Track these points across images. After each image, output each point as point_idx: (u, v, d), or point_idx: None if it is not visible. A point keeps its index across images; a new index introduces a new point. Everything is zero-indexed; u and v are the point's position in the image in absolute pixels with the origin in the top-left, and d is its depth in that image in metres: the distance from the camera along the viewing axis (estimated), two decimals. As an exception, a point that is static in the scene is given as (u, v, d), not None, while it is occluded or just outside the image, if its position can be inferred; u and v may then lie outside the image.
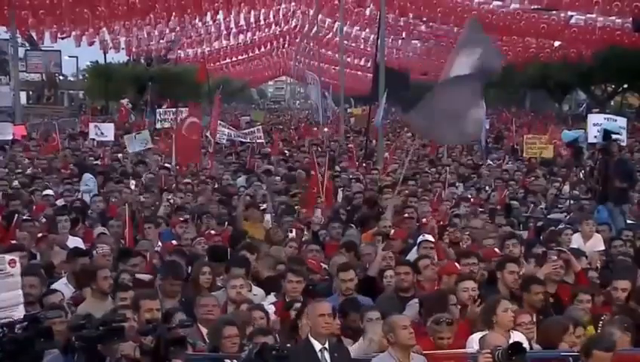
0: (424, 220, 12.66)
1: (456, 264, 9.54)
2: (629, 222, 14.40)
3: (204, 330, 7.63)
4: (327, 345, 6.91)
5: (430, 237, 10.77)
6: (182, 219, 12.69)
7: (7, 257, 6.57)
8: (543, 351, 7.53)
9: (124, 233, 11.57)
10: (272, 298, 8.89)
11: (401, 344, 6.73)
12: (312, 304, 7.28)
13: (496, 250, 10.74)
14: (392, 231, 11.50)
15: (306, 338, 7.07)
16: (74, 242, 11.05)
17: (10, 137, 26.51)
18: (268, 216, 13.07)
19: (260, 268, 9.76)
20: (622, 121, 19.06)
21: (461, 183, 18.76)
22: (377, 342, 7.16)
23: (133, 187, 16.34)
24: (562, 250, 9.99)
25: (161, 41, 54.61)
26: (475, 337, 7.35)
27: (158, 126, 30.80)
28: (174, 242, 11.47)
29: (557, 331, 7.56)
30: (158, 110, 32.69)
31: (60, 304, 7.67)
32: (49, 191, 15.50)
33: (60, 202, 14.94)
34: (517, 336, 7.29)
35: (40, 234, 10.87)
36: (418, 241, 10.59)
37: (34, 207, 14.04)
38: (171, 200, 14.08)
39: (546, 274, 9.13)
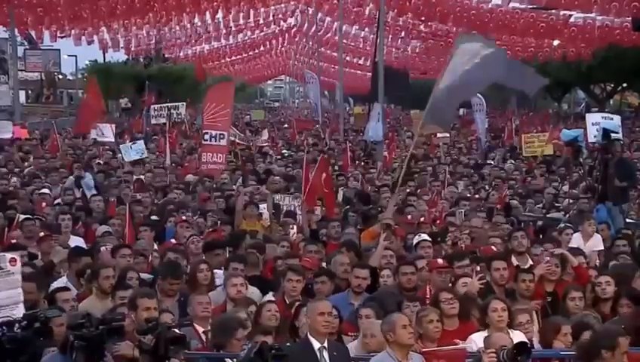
0: (422, 219, 12.68)
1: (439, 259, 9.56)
2: (628, 221, 14.41)
3: (200, 329, 7.64)
4: (326, 344, 6.91)
5: (427, 237, 10.77)
6: (183, 218, 12.71)
7: (8, 256, 6.59)
8: (542, 351, 7.54)
9: (125, 232, 11.57)
10: (269, 297, 8.88)
11: (401, 343, 6.73)
12: (311, 302, 7.28)
13: (493, 248, 10.76)
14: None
15: (305, 337, 7.07)
16: (75, 241, 11.07)
17: (10, 135, 26.52)
18: (266, 215, 13.05)
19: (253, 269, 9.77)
20: (617, 119, 19.05)
21: (461, 182, 18.74)
22: (374, 340, 7.18)
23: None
24: (555, 250, 9.98)
25: (162, 42, 54.65)
26: (475, 337, 7.37)
27: (153, 121, 30.74)
28: (173, 241, 11.47)
29: (549, 331, 7.58)
30: (152, 106, 32.57)
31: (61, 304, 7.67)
32: (45, 190, 15.47)
33: (59, 201, 14.95)
34: (516, 336, 7.32)
35: (42, 234, 10.84)
36: (415, 241, 10.58)
37: (43, 205, 14.00)
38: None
39: (541, 275, 9.16)
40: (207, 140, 17.97)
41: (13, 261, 6.46)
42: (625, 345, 6.37)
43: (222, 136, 17.93)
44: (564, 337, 7.51)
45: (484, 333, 7.35)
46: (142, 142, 21.54)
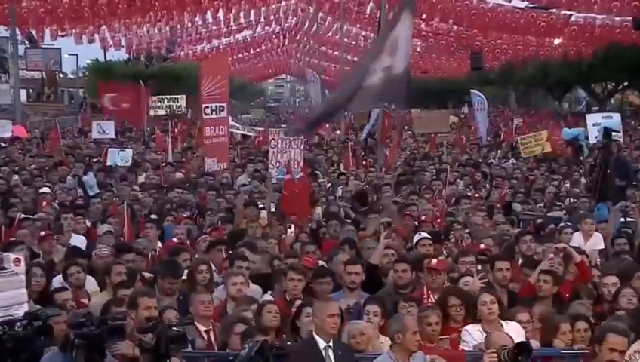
0: (422, 218, 12.68)
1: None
2: (629, 220, 14.39)
3: (202, 327, 7.65)
4: (331, 343, 6.92)
5: (427, 234, 10.79)
6: (186, 215, 12.73)
7: (12, 256, 6.58)
8: (542, 349, 7.55)
9: (124, 231, 11.57)
10: (268, 296, 8.85)
11: (407, 348, 6.75)
12: (320, 303, 7.27)
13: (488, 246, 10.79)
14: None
15: (310, 336, 7.08)
16: (76, 240, 11.07)
17: (9, 134, 26.56)
18: (264, 213, 13.05)
19: (258, 264, 9.76)
20: (617, 118, 19.10)
21: (461, 181, 18.74)
22: (364, 338, 7.22)
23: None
24: (558, 245, 9.97)
25: (158, 41, 54.63)
26: (470, 328, 7.42)
27: (152, 113, 30.70)
28: (175, 240, 11.47)
29: (549, 329, 7.58)
30: (151, 97, 32.48)
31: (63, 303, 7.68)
32: (45, 189, 15.48)
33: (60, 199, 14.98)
34: (511, 327, 7.37)
35: (43, 233, 10.84)
36: (416, 239, 10.59)
37: (44, 204, 14.01)
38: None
39: None
40: (208, 114, 17.81)
41: (17, 261, 6.47)
42: (615, 342, 6.38)
43: (222, 108, 17.81)
44: (563, 336, 7.52)
45: (478, 326, 7.39)
46: (130, 151, 21.52)
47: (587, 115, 24.10)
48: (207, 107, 17.68)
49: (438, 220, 13.10)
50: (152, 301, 7.18)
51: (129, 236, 11.42)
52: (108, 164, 19.85)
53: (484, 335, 7.14)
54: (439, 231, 11.93)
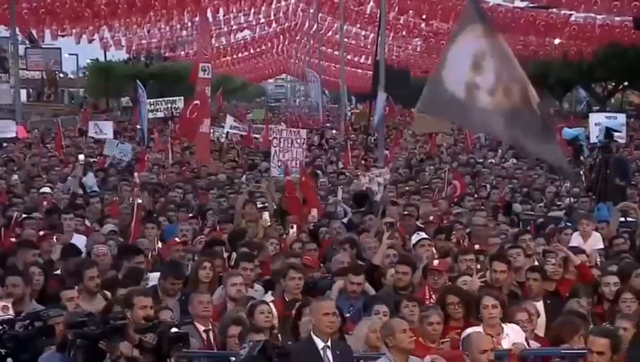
0: (421, 220, 12.67)
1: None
2: (629, 219, 14.38)
3: (201, 327, 7.65)
4: (329, 343, 6.92)
5: (425, 235, 10.78)
6: (190, 215, 12.72)
7: (1, 303, 6.53)
8: (542, 349, 7.54)
9: (129, 230, 11.54)
10: (269, 296, 8.81)
11: (401, 348, 6.73)
12: (315, 302, 7.26)
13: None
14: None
15: (308, 336, 7.07)
16: (77, 239, 11.07)
17: (13, 135, 26.54)
18: (266, 214, 13.04)
19: (273, 267, 9.73)
20: (622, 118, 19.05)
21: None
22: (362, 338, 7.25)
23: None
24: (557, 249, 9.98)
25: (158, 41, 54.69)
26: (469, 331, 7.40)
27: (150, 116, 30.69)
28: (177, 239, 11.46)
29: (569, 331, 7.47)
30: (148, 100, 32.46)
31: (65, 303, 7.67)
32: (46, 189, 15.47)
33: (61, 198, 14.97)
34: (510, 329, 7.38)
35: (42, 233, 10.83)
36: (415, 240, 10.57)
37: (44, 204, 13.99)
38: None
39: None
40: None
41: (5, 309, 6.40)
42: (592, 343, 6.42)
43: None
44: (578, 340, 7.40)
45: (479, 328, 7.38)
46: (129, 146, 21.47)
47: (590, 115, 24.04)
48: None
49: (435, 221, 13.09)
50: (148, 300, 7.13)
51: (135, 235, 11.38)
52: (105, 153, 19.79)
53: None
54: (443, 228, 11.92)
